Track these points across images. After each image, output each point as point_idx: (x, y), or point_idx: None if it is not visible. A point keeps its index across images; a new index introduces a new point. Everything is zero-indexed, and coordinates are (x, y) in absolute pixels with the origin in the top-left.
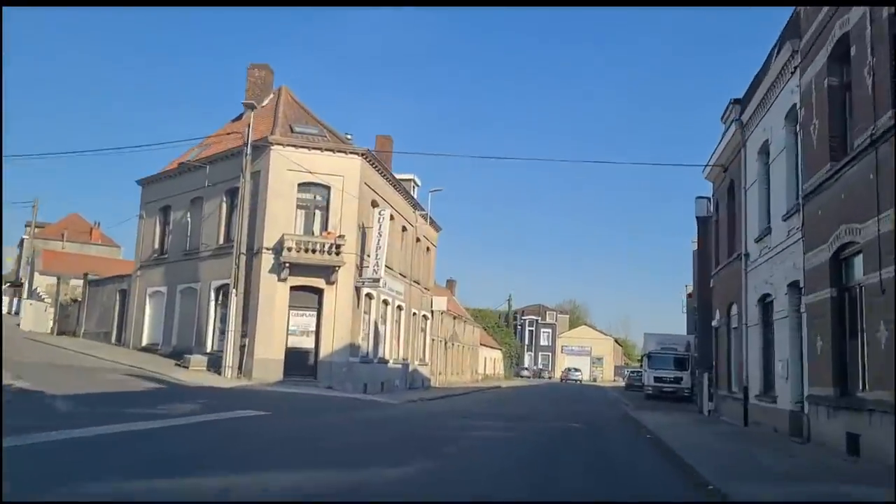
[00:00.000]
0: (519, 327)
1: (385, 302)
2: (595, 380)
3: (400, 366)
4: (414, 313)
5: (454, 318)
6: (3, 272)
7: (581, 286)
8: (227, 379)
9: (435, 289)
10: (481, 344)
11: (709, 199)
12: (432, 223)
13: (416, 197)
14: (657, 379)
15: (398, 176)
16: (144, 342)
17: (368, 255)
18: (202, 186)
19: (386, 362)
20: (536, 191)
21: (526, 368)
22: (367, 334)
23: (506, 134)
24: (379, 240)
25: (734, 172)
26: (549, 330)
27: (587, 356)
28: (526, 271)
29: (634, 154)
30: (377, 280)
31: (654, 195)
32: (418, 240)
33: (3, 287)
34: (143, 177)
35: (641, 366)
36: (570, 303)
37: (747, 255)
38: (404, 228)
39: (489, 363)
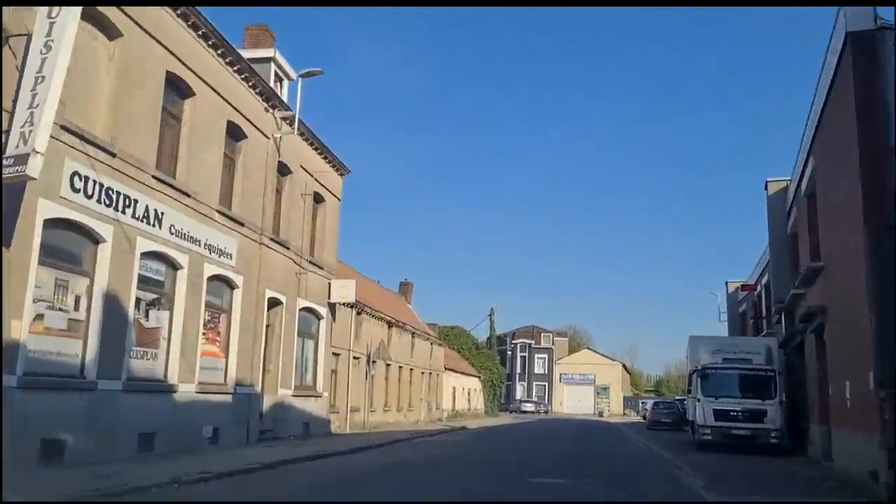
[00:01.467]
0: (509, 353)
1: (164, 259)
2: (601, 414)
3: (229, 397)
4: (276, 301)
5: (389, 325)
6: None
7: (580, 312)
8: None
9: (346, 269)
10: (448, 369)
11: None
12: (329, 160)
13: (283, 95)
14: (721, 415)
15: (246, 54)
16: None
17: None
18: None
19: (169, 390)
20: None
21: (528, 401)
22: (80, 325)
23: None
24: (43, 62)
25: None
26: (545, 355)
27: (590, 385)
28: (515, 293)
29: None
30: (24, 158)
31: (653, 230)
32: (288, 171)
33: None
34: None
35: (689, 389)
36: (569, 328)
37: None
38: (242, 135)
39: (462, 395)
